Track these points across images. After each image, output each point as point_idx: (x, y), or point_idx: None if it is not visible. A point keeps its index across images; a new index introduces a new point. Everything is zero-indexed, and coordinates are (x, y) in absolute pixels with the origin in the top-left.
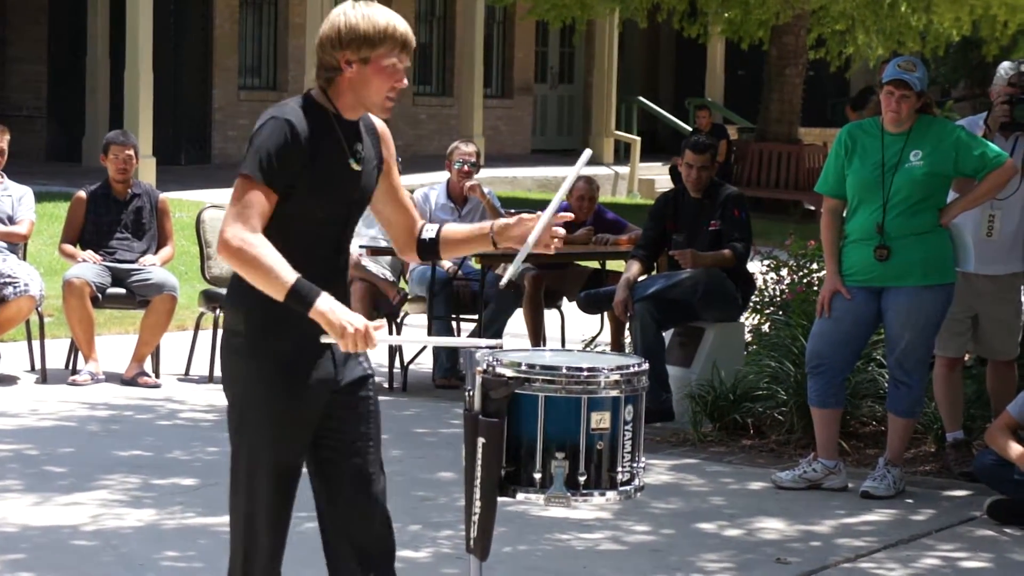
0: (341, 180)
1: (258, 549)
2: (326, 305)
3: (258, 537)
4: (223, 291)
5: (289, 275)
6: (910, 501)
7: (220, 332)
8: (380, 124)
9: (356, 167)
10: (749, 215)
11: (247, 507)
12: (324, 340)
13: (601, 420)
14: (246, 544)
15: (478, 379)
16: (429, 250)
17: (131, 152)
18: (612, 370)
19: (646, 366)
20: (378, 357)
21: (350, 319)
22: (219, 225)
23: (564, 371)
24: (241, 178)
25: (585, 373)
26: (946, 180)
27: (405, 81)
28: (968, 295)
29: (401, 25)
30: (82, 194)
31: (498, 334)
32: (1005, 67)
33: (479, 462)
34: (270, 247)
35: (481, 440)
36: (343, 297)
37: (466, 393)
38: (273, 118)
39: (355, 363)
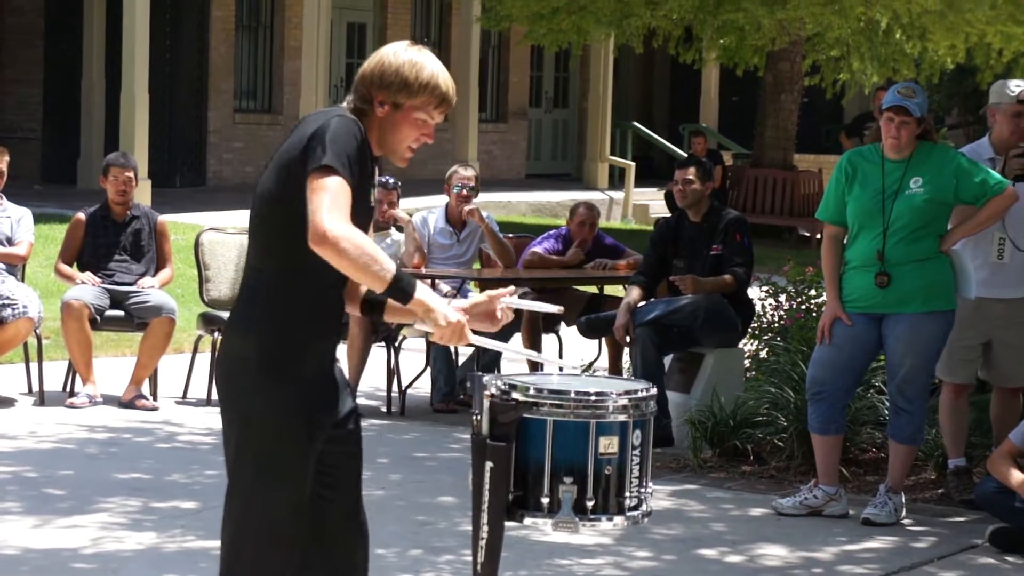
0: (362, 210)
1: None
2: (426, 295)
3: None
4: (221, 314)
5: (390, 265)
6: (911, 528)
7: (220, 359)
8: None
9: (372, 201)
10: (751, 240)
11: (259, 546)
12: (418, 327)
13: (609, 445)
14: None
15: (486, 403)
16: (375, 308)
17: (131, 174)
18: (620, 395)
19: (654, 391)
20: (376, 381)
21: (447, 312)
22: (218, 248)
23: (572, 395)
24: (325, 170)
25: (593, 397)
26: (947, 207)
27: (432, 137)
28: (981, 321)
29: (445, 81)
30: (81, 216)
31: (496, 359)
32: (1010, 85)
33: (487, 486)
34: (365, 237)
35: (489, 464)
36: (342, 320)
37: (474, 417)
38: (341, 116)
39: (347, 394)
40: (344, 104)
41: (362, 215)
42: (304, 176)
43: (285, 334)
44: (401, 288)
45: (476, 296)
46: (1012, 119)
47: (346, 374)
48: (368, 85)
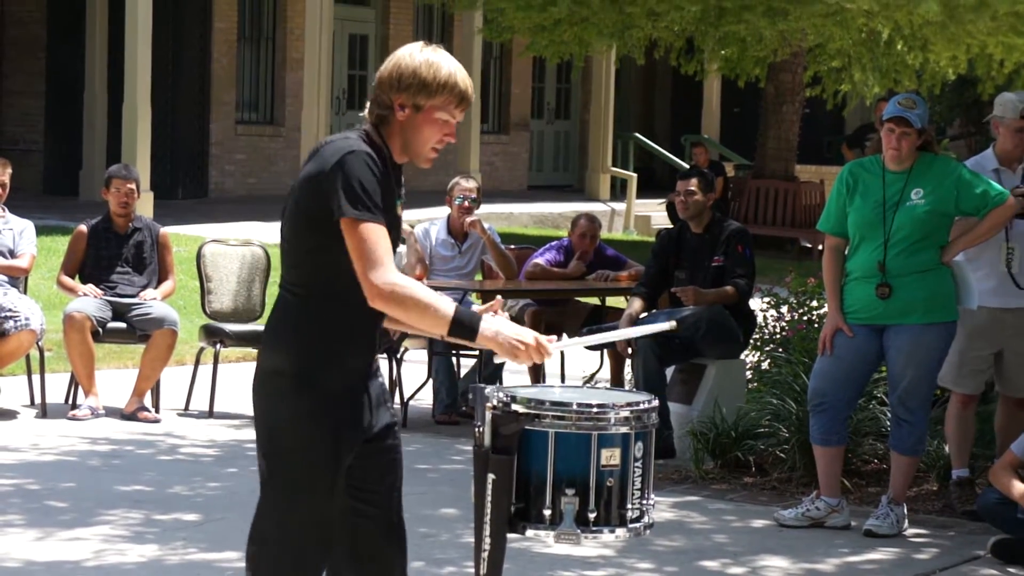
0: (392, 224)
1: None
2: (490, 329)
3: None
4: (223, 326)
5: (448, 307)
6: (913, 540)
7: (255, 371)
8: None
9: (400, 212)
10: (753, 251)
11: (285, 557)
12: (497, 360)
13: (611, 456)
14: None
15: (488, 415)
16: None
17: (133, 186)
18: (622, 407)
19: (656, 403)
20: None
21: (518, 337)
22: (220, 260)
23: (574, 407)
24: (354, 222)
25: (595, 409)
26: (947, 218)
27: (454, 136)
28: (993, 331)
29: (463, 79)
30: (83, 228)
31: (498, 370)
32: (1015, 98)
33: (489, 498)
34: (418, 283)
35: (491, 476)
36: (378, 335)
37: (476, 429)
38: (352, 152)
39: (384, 409)
40: (364, 113)
41: (391, 229)
42: (327, 205)
43: (314, 349)
44: (464, 327)
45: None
46: (1016, 134)
47: (387, 388)
48: (387, 90)
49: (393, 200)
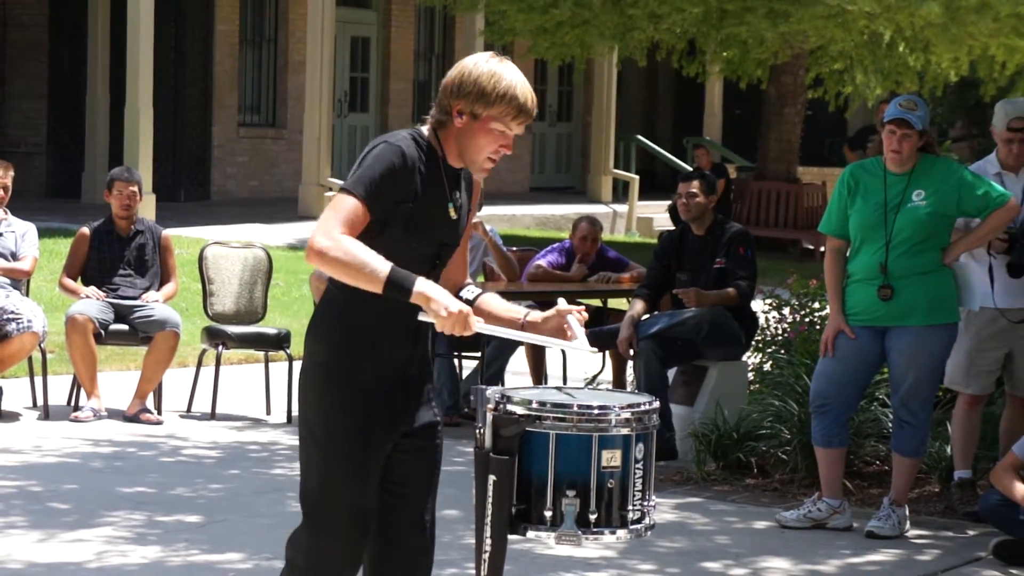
0: (437, 223)
1: None
2: (426, 287)
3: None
4: (226, 327)
5: (383, 265)
6: (915, 541)
7: (300, 364)
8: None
9: (453, 215)
10: (755, 253)
11: (317, 543)
12: (422, 318)
13: (612, 458)
14: None
15: (489, 416)
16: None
17: (135, 188)
18: (623, 408)
19: (656, 404)
20: None
21: (448, 302)
22: (222, 262)
23: (575, 409)
24: (341, 191)
25: (596, 411)
26: (949, 220)
27: (511, 148)
28: (1002, 331)
29: (523, 93)
30: (85, 230)
31: (500, 372)
32: (1008, 108)
33: (490, 499)
34: (358, 243)
35: (492, 478)
36: (418, 332)
37: (477, 431)
38: (386, 143)
39: (427, 408)
40: (428, 116)
41: (430, 231)
42: None
43: (350, 341)
44: (398, 285)
45: (548, 311)
46: (1006, 144)
47: (433, 388)
48: (448, 95)
49: (443, 201)
